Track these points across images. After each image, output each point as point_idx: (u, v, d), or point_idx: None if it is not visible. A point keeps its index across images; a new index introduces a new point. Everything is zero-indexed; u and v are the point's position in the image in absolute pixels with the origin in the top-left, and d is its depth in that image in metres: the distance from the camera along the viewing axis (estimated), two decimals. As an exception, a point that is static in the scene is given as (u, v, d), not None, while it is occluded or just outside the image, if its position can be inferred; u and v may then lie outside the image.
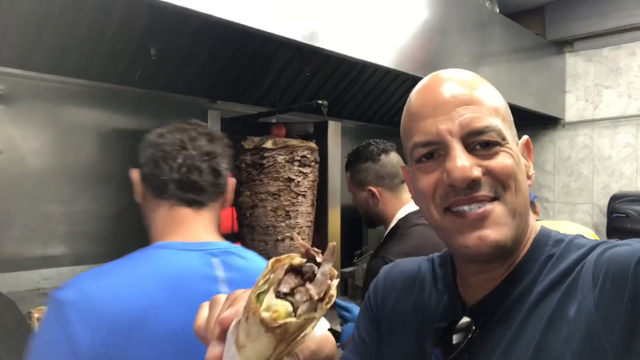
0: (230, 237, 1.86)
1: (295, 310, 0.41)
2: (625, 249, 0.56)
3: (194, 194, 0.97)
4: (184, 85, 1.94)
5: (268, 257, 1.56)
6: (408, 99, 0.70)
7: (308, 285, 0.42)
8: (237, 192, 1.72)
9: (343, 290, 2.62)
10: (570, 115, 3.51)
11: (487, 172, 0.61)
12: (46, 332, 0.80)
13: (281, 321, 0.39)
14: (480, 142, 0.61)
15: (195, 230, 0.97)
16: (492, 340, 0.62)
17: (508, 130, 0.64)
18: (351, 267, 2.65)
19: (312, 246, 0.45)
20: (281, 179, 1.67)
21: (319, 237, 1.90)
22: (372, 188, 1.67)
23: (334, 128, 1.88)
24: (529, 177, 0.66)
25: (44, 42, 1.52)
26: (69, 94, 1.77)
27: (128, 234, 1.92)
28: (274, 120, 1.98)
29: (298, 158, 1.68)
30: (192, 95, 2.03)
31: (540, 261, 0.63)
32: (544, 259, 0.64)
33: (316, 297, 0.41)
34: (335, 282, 0.43)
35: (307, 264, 0.43)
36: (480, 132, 0.61)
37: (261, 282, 0.42)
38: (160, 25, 1.61)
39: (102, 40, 1.58)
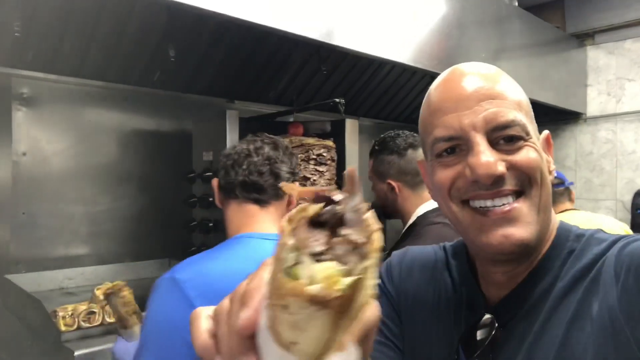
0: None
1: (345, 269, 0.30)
2: None
3: (256, 193, 1.10)
4: (202, 86, 1.96)
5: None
6: (427, 93, 0.69)
7: (344, 230, 0.32)
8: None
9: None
10: (591, 109, 3.44)
11: (512, 166, 0.59)
12: (166, 309, 0.90)
13: (342, 286, 0.29)
14: (504, 137, 0.60)
15: (263, 224, 1.10)
16: (516, 339, 0.61)
17: (530, 124, 0.63)
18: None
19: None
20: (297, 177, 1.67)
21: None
22: (392, 182, 1.64)
23: (351, 126, 1.87)
24: (550, 173, 0.64)
25: (66, 46, 1.55)
26: (90, 96, 1.80)
27: (149, 233, 1.95)
28: (291, 119, 1.98)
29: (314, 156, 1.68)
30: (210, 95, 2.05)
31: (562, 257, 0.62)
32: (566, 254, 0.62)
33: (362, 240, 0.31)
34: (372, 215, 0.33)
35: (326, 209, 0.33)
36: (505, 126, 0.59)
37: (283, 253, 0.32)
38: (178, 27, 1.62)
39: (121, 43, 1.61)
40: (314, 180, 1.69)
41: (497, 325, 0.62)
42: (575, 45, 3.43)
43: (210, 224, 1.73)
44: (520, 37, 2.82)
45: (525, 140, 0.60)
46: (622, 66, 3.32)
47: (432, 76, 2.34)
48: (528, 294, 0.62)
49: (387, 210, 1.72)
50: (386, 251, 2.70)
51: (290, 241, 0.32)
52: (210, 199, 1.72)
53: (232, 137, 1.69)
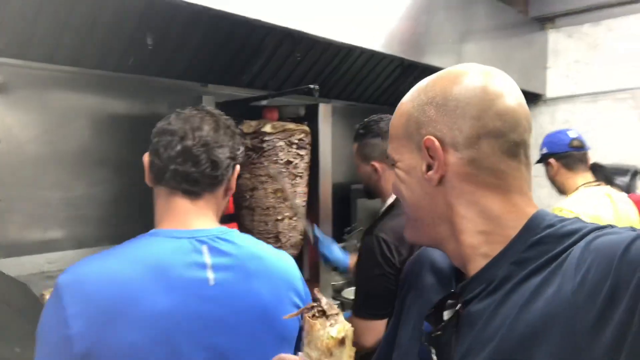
0: (226, 218, 1.93)
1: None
2: (612, 238, 0.58)
3: (187, 184, 0.99)
4: (177, 71, 1.97)
5: (269, 235, 1.61)
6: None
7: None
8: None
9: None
10: (551, 91, 3.60)
11: None
12: (46, 312, 0.87)
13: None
14: None
15: (188, 217, 0.99)
16: (475, 316, 0.66)
17: (398, 148, 0.75)
18: (341, 244, 2.74)
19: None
20: (280, 161, 1.73)
21: (312, 215, 1.97)
22: (376, 164, 1.72)
23: (324, 110, 1.93)
24: (428, 179, 0.70)
25: (40, 32, 1.54)
26: (64, 82, 1.80)
27: (126, 216, 1.98)
28: (263, 103, 2.01)
29: (295, 141, 1.74)
30: (184, 79, 2.06)
31: (527, 245, 0.66)
32: (531, 243, 0.65)
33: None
34: (322, 301, 0.74)
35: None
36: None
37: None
38: (153, 13, 1.63)
39: (96, 29, 1.61)
40: (296, 164, 1.76)
41: (460, 304, 0.68)
42: (537, 29, 3.56)
43: (189, 207, 1.77)
44: (486, 21, 2.92)
45: (395, 166, 0.76)
46: (580, 49, 3.48)
47: (402, 60, 2.43)
48: (490, 277, 0.67)
49: (370, 190, 1.82)
50: (360, 229, 2.78)
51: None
52: (189, 183, 1.76)
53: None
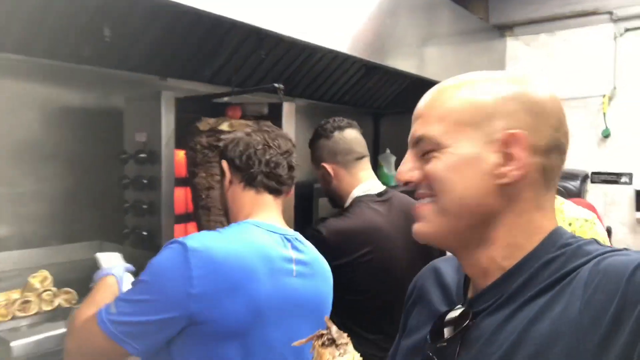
0: (184, 217, 1.88)
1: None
2: (621, 259, 0.59)
3: (276, 184, 1.24)
4: (134, 63, 1.90)
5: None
6: None
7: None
8: (192, 174, 1.73)
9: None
10: (509, 96, 3.70)
11: (424, 175, 0.70)
12: (170, 266, 1.02)
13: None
14: (421, 150, 0.71)
15: (273, 214, 1.25)
16: (482, 329, 0.66)
17: (453, 134, 0.68)
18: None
19: None
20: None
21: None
22: (326, 165, 1.72)
23: (288, 109, 1.90)
24: (500, 175, 0.65)
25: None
26: (12, 71, 1.69)
27: (78, 214, 1.90)
28: (225, 99, 1.97)
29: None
30: (142, 72, 1.99)
31: (541, 262, 0.65)
32: (545, 261, 0.65)
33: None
34: (332, 329, 0.70)
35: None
36: (417, 141, 0.71)
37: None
38: (111, 3, 1.56)
39: (49, 17, 1.52)
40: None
41: (469, 319, 0.67)
42: (497, 36, 3.66)
43: (145, 206, 1.71)
44: (448, 27, 2.97)
45: (438, 151, 0.68)
46: (537, 57, 3.61)
47: (365, 62, 2.43)
48: (501, 292, 0.67)
49: (329, 196, 1.80)
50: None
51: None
52: (145, 181, 1.69)
53: (167, 119, 1.66)
